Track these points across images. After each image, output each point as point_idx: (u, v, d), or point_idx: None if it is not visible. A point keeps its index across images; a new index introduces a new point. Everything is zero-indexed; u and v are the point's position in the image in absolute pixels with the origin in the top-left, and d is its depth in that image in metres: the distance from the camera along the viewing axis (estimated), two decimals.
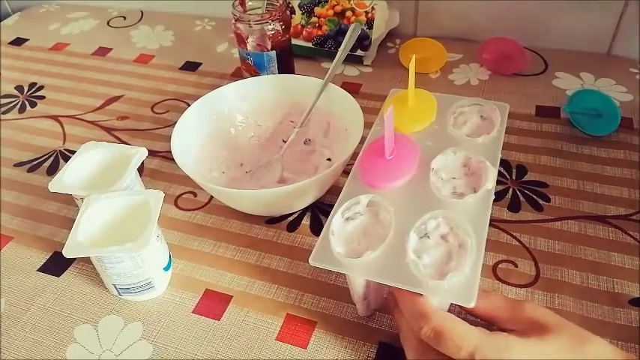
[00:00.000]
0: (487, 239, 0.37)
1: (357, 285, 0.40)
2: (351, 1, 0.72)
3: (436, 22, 0.79)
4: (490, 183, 0.39)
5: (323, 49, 0.75)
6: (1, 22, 0.95)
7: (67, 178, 0.49)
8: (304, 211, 0.55)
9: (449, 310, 0.37)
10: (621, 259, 0.48)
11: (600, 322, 0.43)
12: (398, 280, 0.35)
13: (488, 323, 0.37)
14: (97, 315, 0.47)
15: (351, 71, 0.75)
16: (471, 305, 0.33)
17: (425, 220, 0.37)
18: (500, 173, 0.56)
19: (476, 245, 0.35)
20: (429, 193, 0.40)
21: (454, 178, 0.41)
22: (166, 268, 0.48)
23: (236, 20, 0.63)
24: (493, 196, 0.39)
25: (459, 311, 0.38)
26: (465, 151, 0.42)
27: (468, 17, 0.77)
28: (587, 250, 0.49)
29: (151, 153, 0.52)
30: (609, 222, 0.51)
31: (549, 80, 0.70)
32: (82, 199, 0.47)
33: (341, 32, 0.73)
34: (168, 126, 0.67)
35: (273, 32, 0.63)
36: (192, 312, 0.47)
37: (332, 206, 0.40)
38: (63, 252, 0.42)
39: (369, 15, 0.72)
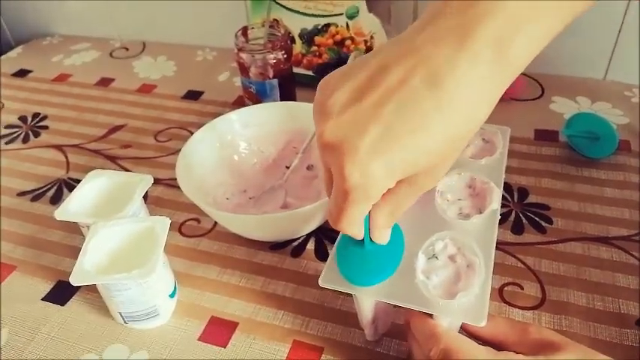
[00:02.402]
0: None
1: (366, 308, 0.40)
2: (351, 30, 0.73)
3: None
4: (495, 203, 0.40)
5: (324, 77, 0.76)
6: (6, 55, 0.96)
7: (73, 206, 0.49)
8: (308, 236, 0.55)
9: None
10: (625, 279, 0.48)
11: (609, 344, 0.43)
12: (408, 301, 0.35)
13: (495, 348, 0.37)
14: (102, 344, 0.47)
15: None
16: (482, 324, 0.33)
17: (432, 242, 0.38)
18: (502, 196, 0.56)
19: (484, 265, 0.36)
20: (436, 214, 0.40)
21: (459, 199, 0.41)
22: (172, 295, 0.48)
23: (239, 50, 0.64)
24: (499, 217, 0.39)
25: (467, 336, 0.38)
26: (469, 172, 0.42)
27: None
28: (591, 271, 0.49)
29: (155, 180, 0.53)
30: (612, 243, 0.51)
31: (546, 104, 0.71)
32: (88, 227, 0.47)
33: (341, 61, 0.74)
34: (171, 154, 0.68)
35: (275, 61, 0.64)
36: (198, 339, 0.46)
37: (336, 231, 0.40)
38: (70, 280, 0.42)
39: (368, 43, 0.73)
